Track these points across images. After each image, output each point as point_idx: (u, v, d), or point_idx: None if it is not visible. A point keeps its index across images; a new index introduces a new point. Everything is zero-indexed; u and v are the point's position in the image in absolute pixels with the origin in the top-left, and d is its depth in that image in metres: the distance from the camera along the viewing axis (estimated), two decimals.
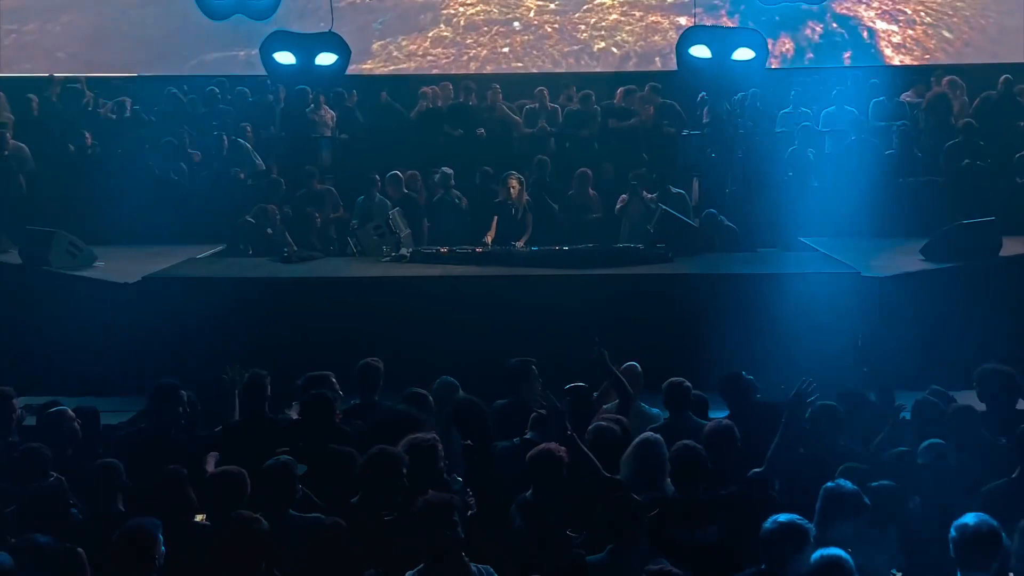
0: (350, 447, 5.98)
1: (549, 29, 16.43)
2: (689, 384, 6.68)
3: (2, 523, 5.27)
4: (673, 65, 10.38)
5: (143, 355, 9.21)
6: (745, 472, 5.63)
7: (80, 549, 4.73)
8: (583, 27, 16.40)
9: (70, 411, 6.39)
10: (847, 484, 5.05)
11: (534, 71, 15.84)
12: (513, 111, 14.05)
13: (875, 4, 16.06)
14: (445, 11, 16.53)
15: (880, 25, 16.00)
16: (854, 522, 4.89)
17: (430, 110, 14.00)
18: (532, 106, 14.07)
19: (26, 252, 10.44)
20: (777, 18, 15.33)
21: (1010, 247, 10.14)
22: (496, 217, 11.52)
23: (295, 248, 11.10)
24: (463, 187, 12.30)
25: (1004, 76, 13.25)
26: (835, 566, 4.28)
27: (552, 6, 16.53)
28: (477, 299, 9.58)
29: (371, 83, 14.65)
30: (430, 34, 16.46)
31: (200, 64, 15.52)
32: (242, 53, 15.16)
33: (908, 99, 13.58)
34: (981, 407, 6.53)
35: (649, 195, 11.83)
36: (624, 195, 11.99)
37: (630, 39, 16.24)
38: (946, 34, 15.91)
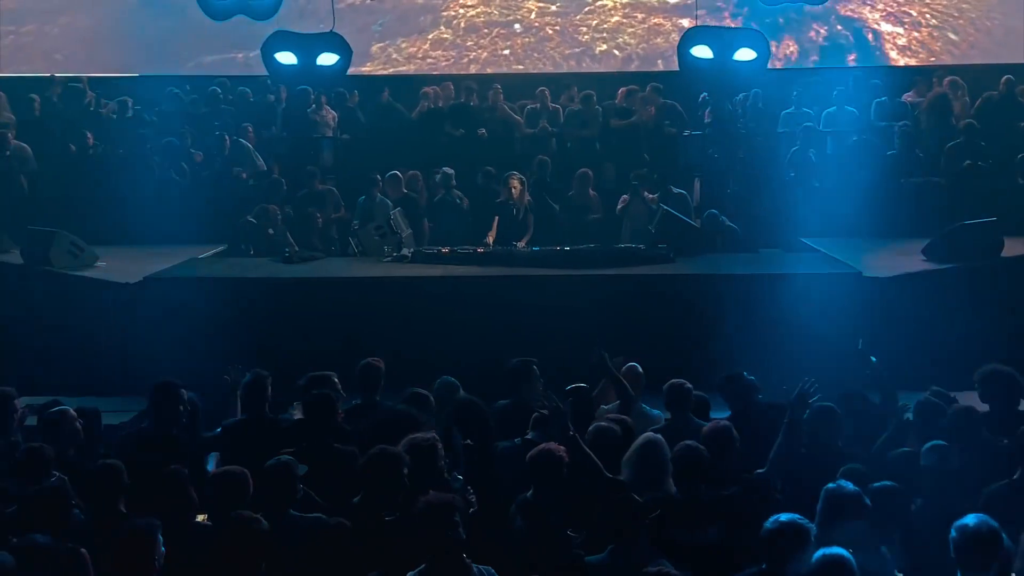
0: (352, 447, 5.98)
1: (550, 31, 16.29)
2: (690, 386, 6.68)
3: (3, 523, 5.26)
4: (675, 66, 10.39)
5: (144, 355, 9.18)
6: (745, 472, 5.64)
7: (83, 549, 4.73)
8: (584, 29, 16.27)
9: (72, 411, 6.39)
10: (848, 485, 5.05)
11: (535, 73, 15.79)
12: (514, 111, 14.05)
13: (880, 6, 15.94)
14: (445, 13, 16.40)
15: (885, 27, 15.86)
16: (855, 523, 4.89)
17: (431, 110, 14.00)
18: (533, 106, 14.06)
19: (27, 252, 10.45)
20: (781, 20, 15.21)
21: (1012, 247, 10.13)
22: (497, 217, 11.52)
23: (296, 248, 11.10)
24: (464, 187, 12.30)
25: (1006, 77, 13.25)
26: (837, 565, 4.28)
27: (553, 8, 16.39)
28: (478, 299, 9.58)
29: (373, 83, 14.64)
30: (430, 36, 16.32)
31: (197, 66, 15.47)
32: (239, 55, 15.13)
33: (910, 99, 13.58)
34: (983, 408, 6.52)
35: (650, 195, 11.83)
36: (625, 195, 11.99)
37: (632, 41, 16.11)
38: (952, 36, 15.79)
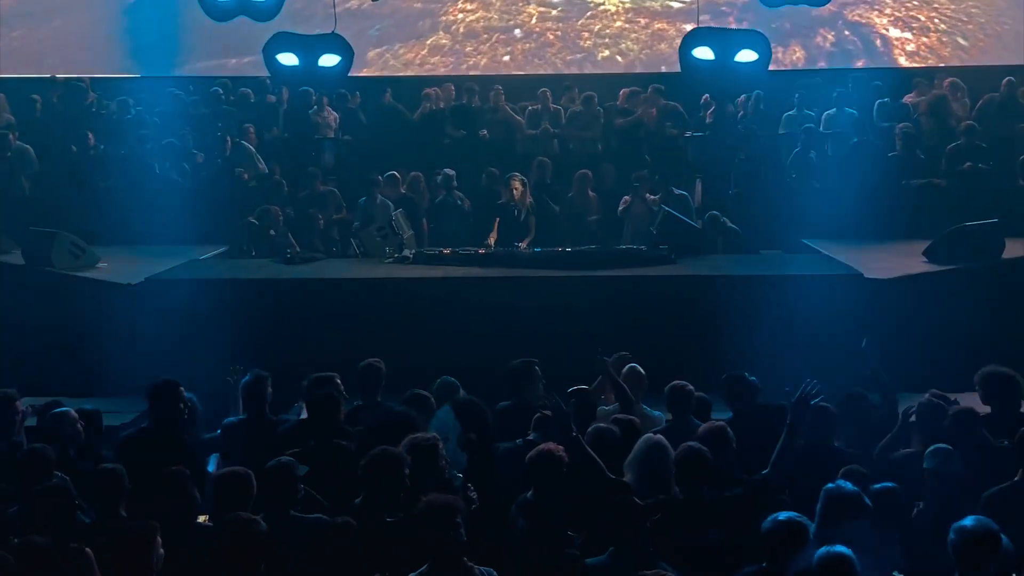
0: (356, 447, 5.99)
1: (551, 37, 16.07)
2: (692, 387, 6.69)
3: (5, 523, 5.27)
4: (677, 69, 10.38)
5: (145, 356, 9.18)
6: (742, 473, 5.64)
7: (88, 549, 4.74)
8: (586, 34, 16.05)
9: (73, 412, 6.40)
10: (847, 485, 5.07)
11: (536, 74, 15.70)
12: (516, 112, 14.05)
13: (888, 11, 15.79)
14: (444, 18, 16.18)
15: (893, 32, 15.67)
16: (855, 523, 4.89)
17: (433, 111, 14.00)
18: (534, 108, 14.06)
19: (28, 253, 10.45)
20: (788, 26, 15.00)
21: (1013, 249, 10.14)
22: (498, 219, 11.52)
23: (298, 249, 11.10)
24: (466, 188, 12.30)
25: (1007, 78, 13.24)
26: (839, 564, 4.28)
27: (554, 13, 16.18)
28: (480, 301, 9.58)
29: (374, 84, 14.63)
30: (428, 41, 16.11)
31: (190, 71, 15.35)
32: (232, 61, 15.07)
33: (911, 100, 13.58)
34: (984, 410, 6.52)
35: (652, 196, 11.83)
36: (627, 196, 11.99)
37: (635, 47, 15.89)
38: (961, 41, 15.59)
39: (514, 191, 11.58)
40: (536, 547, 5.09)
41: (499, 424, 6.43)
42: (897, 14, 15.81)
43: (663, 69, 15.17)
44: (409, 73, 15.92)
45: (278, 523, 5.09)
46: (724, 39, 9.50)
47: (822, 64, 15.56)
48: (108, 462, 5.67)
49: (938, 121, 12.86)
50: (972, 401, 6.57)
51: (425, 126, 13.85)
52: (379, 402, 6.92)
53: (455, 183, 12.16)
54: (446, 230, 11.77)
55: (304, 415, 6.69)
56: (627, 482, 5.48)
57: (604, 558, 4.93)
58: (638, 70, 15.58)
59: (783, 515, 4.68)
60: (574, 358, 7.44)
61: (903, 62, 15.59)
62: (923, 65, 15.35)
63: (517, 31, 16.19)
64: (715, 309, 9.44)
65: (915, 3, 15.89)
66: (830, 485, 5.06)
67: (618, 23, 16.16)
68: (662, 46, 15.68)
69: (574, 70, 15.85)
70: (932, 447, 5.59)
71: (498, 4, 16.40)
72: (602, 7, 16.28)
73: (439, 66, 15.95)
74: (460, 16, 16.28)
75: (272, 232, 11.38)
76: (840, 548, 4.33)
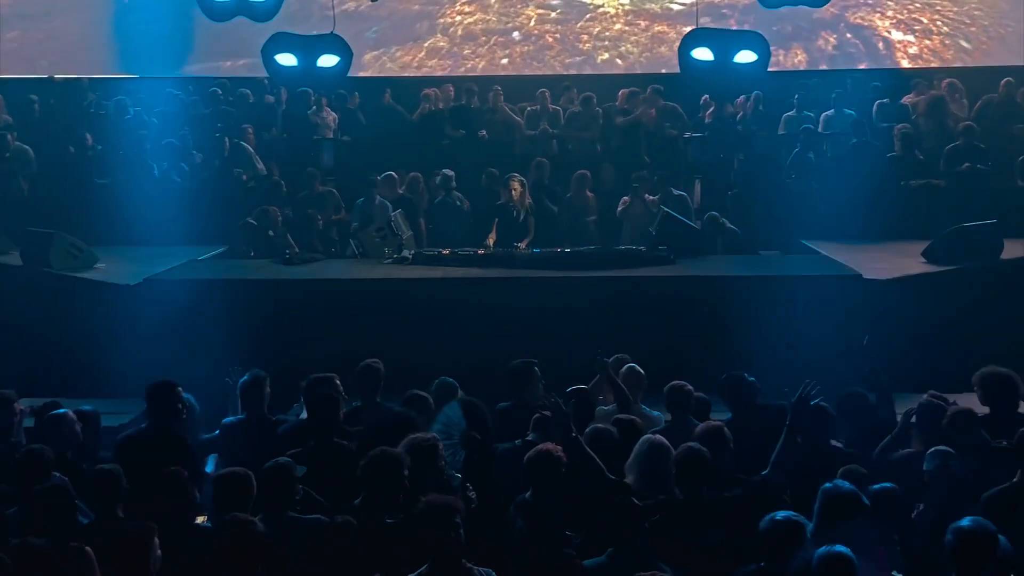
0: (356, 447, 5.99)
1: (550, 39, 15.92)
2: (691, 387, 6.69)
3: (3, 524, 5.26)
4: (677, 70, 10.38)
5: (144, 357, 9.18)
6: (739, 473, 5.64)
7: (88, 548, 4.73)
8: (585, 37, 15.89)
9: (71, 413, 6.39)
10: (845, 484, 5.07)
11: (535, 74, 15.65)
12: (515, 113, 14.05)
13: (890, 14, 15.67)
14: (441, 20, 16.02)
15: (896, 35, 15.53)
16: (853, 523, 4.89)
17: (432, 112, 14.00)
18: (533, 108, 14.06)
19: (27, 253, 10.43)
20: (789, 29, 14.89)
21: (1011, 250, 10.14)
22: (497, 219, 11.52)
23: (297, 250, 11.09)
24: (466, 189, 12.30)
25: (1005, 79, 13.25)
26: (839, 563, 4.28)
27: (553, 15, 16.02)
28: (479, 301, 9.56)
29: (373, 85, 14.63)
30: (426, 44, 15.93)
31: (186, 73, 15.37)
32: (227, 63, 15.02)
33: (910, 101, 13.58)
34: (982, 410, 6.52)
35: (651, 197, 11.83)
36: (626, 197, 12.00)
37: (635, 50, 15.73)
38: (964, 44, 15.48)
39: (513, 192, 11.58)
40: (534, 547, 5.08)
41: (499, 425, 6.43)
42: (899, 16, 15.69)
43: (663, 72, 15.12)
44: (407, 75, 15.84)
45: (276, 524, 5.08)
46: (723, 40, 9.53)
47: (823, 67, 15.48)
48: (106, 463, 5.66)
49: (937, 122, 12.87)
50: (971, 402, 6.57)
51: (424, 127, 13.85)
52: (378, 403, 6.91)
53: (454, 184, 12.16)
54: (445, 231, 11.77)
55: (303, 416, 6.68)
56: (626, 483, 5.47)
57: (603, 559, 4.93)
58: (638, 73, 15.53)
59: (780, 514, 4.69)
60: (573, 359, 7.44)
61: (905, 65, 15.49)
62: (922, 67, 15.34)
63: (515, 33, 16.02)
64: (714, 310, 9.43)
65: (917, 5, 15.76)
66: (828, 484, 5.06)
67: (618, 25, 15.99)
68: (662, 49, 15.51)
69: (573, 73, 15.76)
70: (932, 449, 5.59)
71: (496, 6, 16.24)
72: (601, 9, 16.14)
73: (436, 69, 15.80)
74: (458, 18, 16.11)
75: (271, 233, 11.37)
76: (840, 548, 4.34)
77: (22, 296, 10.07)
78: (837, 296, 9.32)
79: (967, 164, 11.82)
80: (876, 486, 5.31)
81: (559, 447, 5.41)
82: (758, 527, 4.71)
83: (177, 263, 10.59)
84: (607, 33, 15.97)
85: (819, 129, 12.95)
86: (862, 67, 15.43)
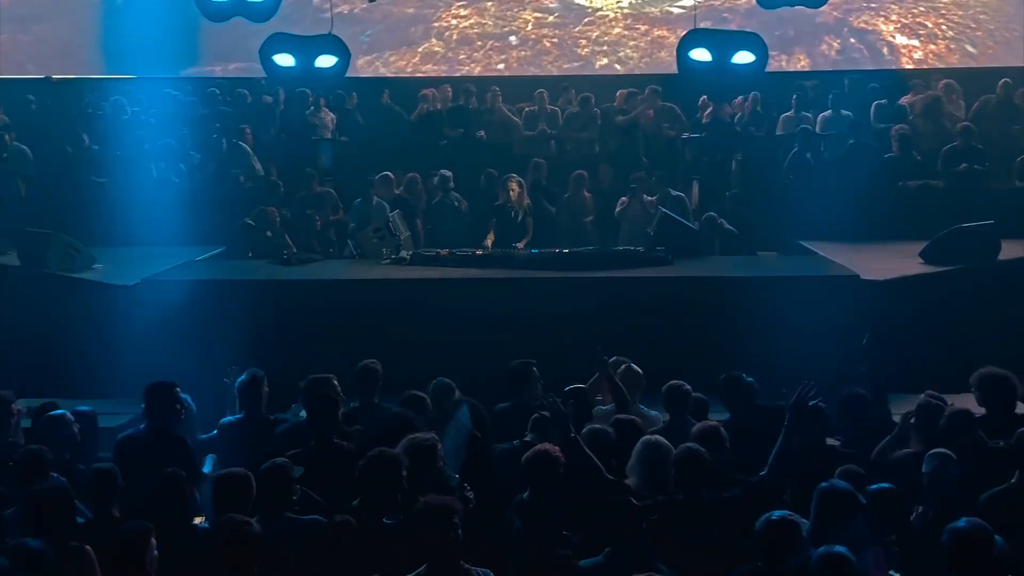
0: (353, 449, 5.99)
1: (548, 44, 15.70)
2: (689, 387, 6.70)
3: (2, 525, 5.25)
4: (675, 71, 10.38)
5: (141, 357, 9.17)
6: (738, 473, 5.64)
7: (88, 547, 4.72)
8: (584, 41, 15.69)
9: (68, 414, 6.38)
10: (841, 484, 5.07)
11: (533, 75, 15.58)
12: (513, 113, 14.05)
13: (894, 17, 15.53)
14: (437, 24, 15.81)
15: (900, 40, 15.37)
16: (849, 522, 4.89)
17: (430, 112, 14.00)
18: (531, 109, 14.06)
19: (24, 254, 10.43)
20: (792, 33, 14.72)
21: (1009, 250, 10.15)
22: (495, 220, 11.52)
23: (295, 250, 11.09)
24: (464, 190, 12.30)
25: (1003, 80, 13.26)
26: (837, 563, 4.28)
27: (551, 19, 15.82)
28: (477, 302, 9.57)
29: (372, 85, 14.63)
30: (420, 49, 15.72)
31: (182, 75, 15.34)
32: (218, 68, 14.94)
33: (907, 102, 13.59)
34: (980, 411, 6.52)
35: (649, 198, 11.84)
36: (624, 198, 12.01)
37: (634, 55, 15.52)
38: (970, 48, 15.30)
39: (511, 192, 11.59)
40: (532, 548, 5.08)
41: (498, 425, 6.43)
42: (904, 20, 15.51)
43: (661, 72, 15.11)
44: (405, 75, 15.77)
45: (273, 524, 5.08)
46: (721, 41, 9.54)
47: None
48: (103, 463, 5.66)
49: (934, 123, 12.88)
50: (968, 403, 6.57)
51: (422, 127, 13.85)
52: (376, 403, 6.91)
53: (452, 184, 12.16)
54: (443, 231, 11.77)
55: (302, 416, 6.68)
56: (625, 483, 5.47)
57: (600, 559, 4.93)
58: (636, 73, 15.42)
59: (776, 514, 4.70)
60: (572, 359, 7.44)
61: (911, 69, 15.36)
62: (921, 67, 15.30)
63: (512, 38, 15.80)
64: (712, 310, 9.44)
65: (922, 9, 15.60)
66: (824, 484, 5.06)
67: (616, 29, 15.77)
68: (662, 54, 15.25)
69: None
70: (931, 452, 5.59)
71: (493, 10, 16.02)
72: (600, 13, 15.96)
73: (431, 74, 15.59)
74: (454, 22, 15.90)
75: (269, 233, 11.37)
76: (839, 548, 4.34)
77: (19, 297, 10.07)
78: (835, 297, 9.33)
79: (965, 165, 11.83)
80: (874, 486, 5.31)
81: (557, 448, 5.41)
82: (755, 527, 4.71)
83: (175, 264, 10.59)
84: (606, 37, 15.79)
85: (817, 130, 12.94)
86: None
